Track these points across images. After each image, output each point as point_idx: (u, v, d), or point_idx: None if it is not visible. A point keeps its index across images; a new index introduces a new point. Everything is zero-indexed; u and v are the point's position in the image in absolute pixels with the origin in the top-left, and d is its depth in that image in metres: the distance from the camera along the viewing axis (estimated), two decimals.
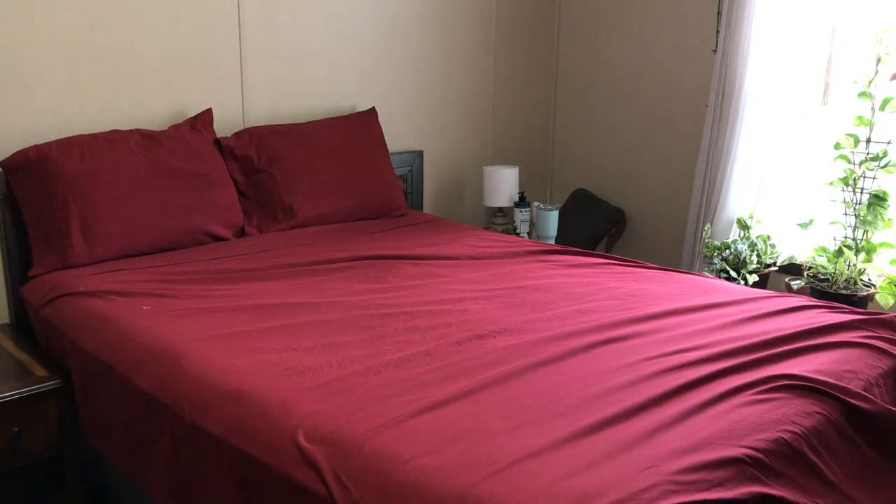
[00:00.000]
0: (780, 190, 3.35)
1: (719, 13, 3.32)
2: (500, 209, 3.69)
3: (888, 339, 2.01)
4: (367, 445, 1.44)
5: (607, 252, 3.63)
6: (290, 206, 2.88)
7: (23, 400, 2.08)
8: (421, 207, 3.57)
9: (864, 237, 2.97)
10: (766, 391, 1.68)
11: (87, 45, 2.61)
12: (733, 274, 3.12)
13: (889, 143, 2.92)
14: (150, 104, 2.78)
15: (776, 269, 3.25)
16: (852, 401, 1.70)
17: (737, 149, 3.29)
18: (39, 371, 2.17)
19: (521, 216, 3.61)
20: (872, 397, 1.76)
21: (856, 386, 1.76)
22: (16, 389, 2.07)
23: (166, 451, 1.80)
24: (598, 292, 2.30)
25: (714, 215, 3.38)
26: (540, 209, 3.58)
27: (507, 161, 3.90)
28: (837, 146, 2.99)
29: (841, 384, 1.73)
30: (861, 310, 2.22)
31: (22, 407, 2.08)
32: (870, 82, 2.88)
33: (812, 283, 3.02)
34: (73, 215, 2.41)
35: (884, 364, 1.91)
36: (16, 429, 2.07)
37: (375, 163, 3.16)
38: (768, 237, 3.26)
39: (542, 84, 4.08)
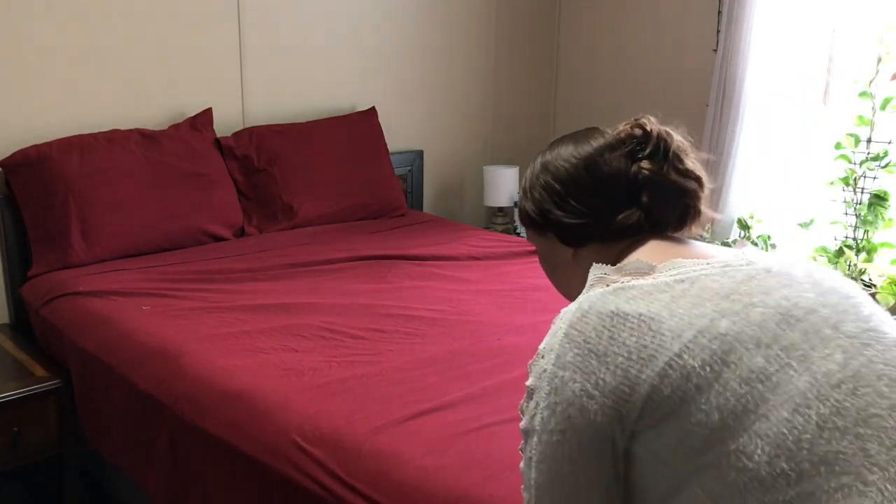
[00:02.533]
0: (780, 190, 3.35)
1: (720, 12, 3.31)
2: (500, 209, 3.69)
3: None
4: (367, 446, 1.44)
5: None
6: (290, 205, 2.88)
7: (23, 400, 2.07)
8: (421, 207, 3.56)
9: (865, 237, 2.97)
10: None
11: (87, 45, 2.61)
12: None
13: (890, 142, 2.91)
14: (150, 104, 2.78)
15: None
16: None
17: (737, 149, 3.28)
18: (39, 371, 2.17)
19: None
20: None
21: None
22: (16, 389, 2.07)
23: (166, 451, 1.80)
24: None
25: None
26: None
27: (507, 161, 3.90)
28: (838, 146, 2.98)
29: None
30: None
31: (22, 407, 2.08)
32: (870, 82, 2.88)
33: None
34: (73, 215, 2.41)
35: None
36: (16, 429, 2.07)
37: (375, 163, 3.15)
38: (769, 237, 3.25)
39: (542, 84, 4.07)
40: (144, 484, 1.91)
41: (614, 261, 1.04)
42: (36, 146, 2.45)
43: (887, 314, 0.96)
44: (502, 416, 1.53)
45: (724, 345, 0.86)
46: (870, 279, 3.00)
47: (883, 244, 2.96)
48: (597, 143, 1.09)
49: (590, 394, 0.88)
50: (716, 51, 3.34)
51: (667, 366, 0.86)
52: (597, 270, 1.01)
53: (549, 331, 0.96)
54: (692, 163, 1.08)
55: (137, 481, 1.95)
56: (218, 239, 2.70)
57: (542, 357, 0.95)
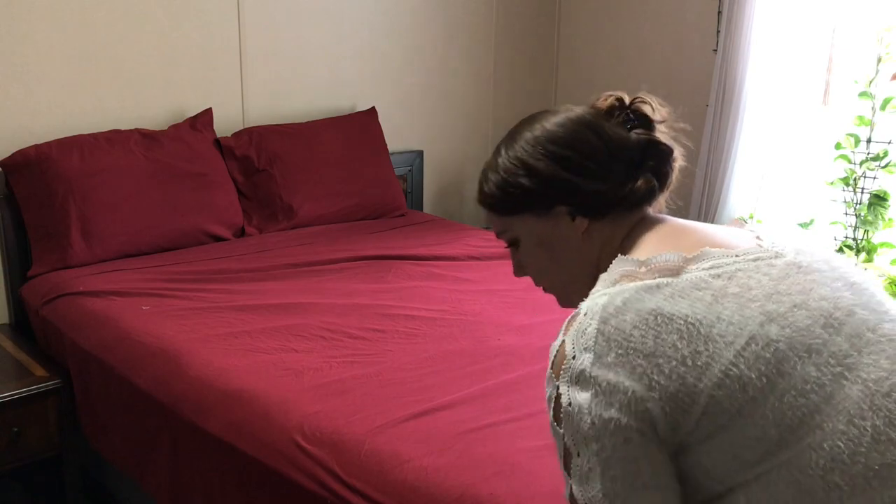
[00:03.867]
0: (780, 190, 3.35)
1: (720, 13, 3.31)
2: None
3: None
4: (367, 446, 1.44)
5: None
6: (290, 206, 2.88)
7: (23, 400, 2.07)
8: (421, 207, 3.56)
9: (865, 237, 2.97)
10: None
11: (87, 45, 2.61)
12: None
13: (890, 142, 2.91)
14: (150, 104, 2.78)
15: None
16: None
17: (737, 149, 3.29)
18: (39, 371, 2.17)
19: None
20: None
21: None
22: (16, 389, 2.07)
23: (166, 451, 1.80)
24: None
25: (715, 215, 3.37)
26: None
27: None
28: (838, 146, 2.98)
29: None
30: None
31: (22, 407, 2.08)
32: (870, 82, 2.88)
33: None
34: (73, 215, 2.41)
35: None
36: (16, 429, 2.07)
37: (375, 163, 3.15)
38: None
39: (543, 84, 4.07)
40: (144, 484, 1.91)
41: (622, 240, 1.00)
42: (36, 146, 2.45)
43: (891, 300, 0.94)
44: (502, 416, 1.53)
45: (777, 353, 0.83)
46: None
47: (883, 244, 2.96)
48: (584, 111, 1.04)
49: (644, 397, 0.82)
50: (716, 51, 3.34)
51: (723, 375, 0.81)
52: (622, 265, 0.94)
53: (571, 328, 0.88)
54: (670, 125, 1.06)
55: (137, 481, 1.95)
56: (218, 239, 2.70)
57: (574, 358, 0.86)
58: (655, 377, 0.82)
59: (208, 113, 2.83)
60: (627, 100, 1.04)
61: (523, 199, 1.04)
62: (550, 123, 1.03)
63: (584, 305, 0.90)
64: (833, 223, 3.05)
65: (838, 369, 0.83)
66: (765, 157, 3.33)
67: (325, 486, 1.41)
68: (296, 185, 2.90)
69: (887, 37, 2.85)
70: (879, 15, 2.97)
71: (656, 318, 0.84)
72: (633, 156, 1.01)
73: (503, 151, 1.07)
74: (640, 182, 1.00)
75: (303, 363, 1.78)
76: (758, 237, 0.97)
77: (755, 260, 0.91)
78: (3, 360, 2.26)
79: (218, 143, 2.84)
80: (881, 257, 2.98)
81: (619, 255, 0.97)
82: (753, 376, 0.82)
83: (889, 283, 2.89)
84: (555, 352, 0.90)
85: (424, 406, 1.56)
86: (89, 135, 2.55)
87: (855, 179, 2.96)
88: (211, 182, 2.71)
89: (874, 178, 2.94)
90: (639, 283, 0.88)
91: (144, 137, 2.63)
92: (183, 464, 1.75)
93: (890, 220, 2.93)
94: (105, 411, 2.04)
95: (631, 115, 1.03)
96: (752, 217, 3.30)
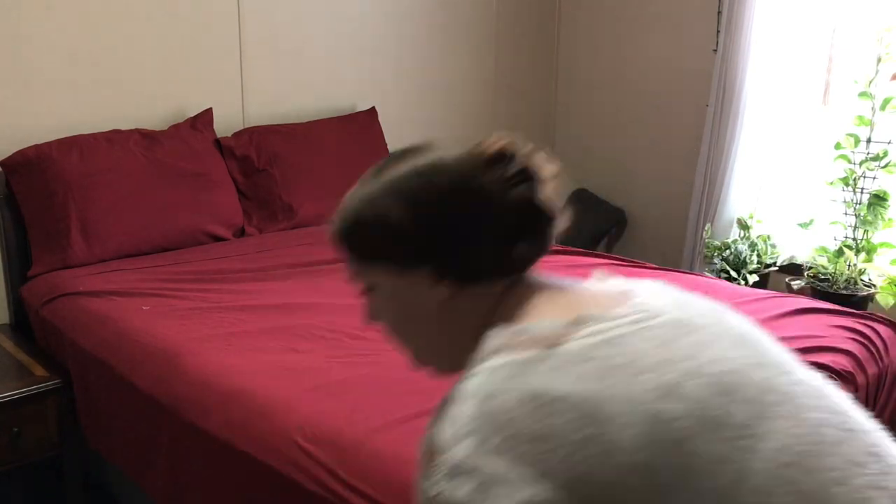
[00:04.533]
0: (780, 190, 3.35)
1: (719, 13, 3.31)
2: None
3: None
4: (368, 446, 1.44)
5: (607, 252, 3.63)
6: (290, 205, 2.88)
7: (22, 400, 2.07)
8: None
9: (865, 237, 2.97)
10: None
11: (87, 45, 2.61)
12: (733, 274, 3.11)
13: (889, 142, 2.91)
14: (150, 104, 2.77)
15: (776, 269, 3.24)
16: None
17: (737, 148, 3.29)
18: (39, 371, 2.17)
19: None
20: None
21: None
22: (15, 389, 2.07)
23: (166, 451, 1.80)
24: None
25: (714, 215, 3.37)
26: None
27: None
28: (838, 146, 2.98)
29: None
30: (862, 311, 2.22)
31: (22, 407, 2.08)
32: (870, 82, 2.87)
33: (812, 283, 3.01)
34: (73, 215, 2.41)
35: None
36: (16, 429, 2.07)
37: (375, 163, 3.15)
38: (769, 237, 3.25)
39: (543, 84, 4.07)
40: (144, 484, 1.91)
41: (494, 309, 0.88)
42: (36, 146, 2.45)
43: (778, 345, 0.86)
44: None
45: (681, 433, 0.73)
46: (869, 279, 3.00)
47: (882, 244, 2.96)
48: (465, 158, 0.91)
49: (535, 489, 0.70)
50: (716, 51, 3.34)
51: (626, 464, 0.71)
52: (497, 337, 0.81)
53: (443, 416, 0.77)
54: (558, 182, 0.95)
55: (137, 481, 1.95)
56: (218, 239, 2.70)
57: (450, 448, 0.73)
58: (547, 465, 0.70)
59: (208, 113, 2.83)
60: (515, 149, 0.92)
61: (379, 248, 0.95)
62: (421, 169, 0.92)
63: (457, 386, 0.78)
64: (833, 223, 3.05)
65: (743, 442, 0.74)
66: (765, 157, 3.33)
67: (325, 485, 1.41)
68: (296, 184, 2.90)
69: (887, 37, 2.85)
70: (879, 15, 2.97)
71: (541, 397, 0.73)
72: (512, 218, 0.89)
73: (368, 186, 0.97)
74: (517, 248, 0.89)
75: (303, 363, 1.77)
76: (630, 292, 0.87)
77: (635, 322, 0.80)
78: (3, 360, 2.26)
79: (218, 142, 2.84)
80: (881, 257, 2.98)
81: (491, 325, 0.84)
82: (659, 463, 0.72)
83: (889, 283, 2.89)
84: (427, 445, 0.77)
85: (426, 406, 1.55)
86: (89, 135, 2.55)
87: (855, 179, 2.96)
88: (211, 182, 2.71)
89: (874, 178, 2.94)
90: (517, 358, 0.76)
91: (144, 137, 2.63)
92: (183, 464, 1.75)
93: (890, 220, 2.93)
94: (105, 411, 2.04)
95: (516, 168, 0.91)
96: (752, 217, 3.30)
